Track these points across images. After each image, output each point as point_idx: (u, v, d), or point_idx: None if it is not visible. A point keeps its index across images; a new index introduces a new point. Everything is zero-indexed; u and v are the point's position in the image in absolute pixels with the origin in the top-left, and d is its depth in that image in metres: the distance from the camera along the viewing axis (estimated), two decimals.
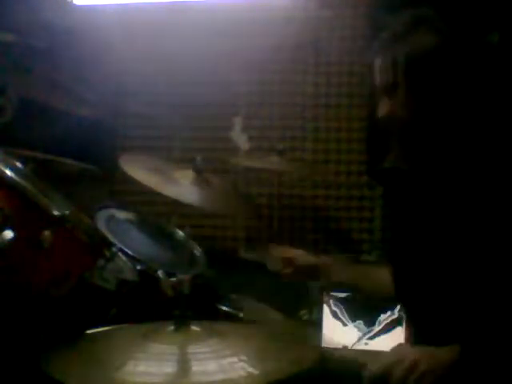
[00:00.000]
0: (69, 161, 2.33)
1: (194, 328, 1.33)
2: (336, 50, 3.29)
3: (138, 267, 1.77)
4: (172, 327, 1.33)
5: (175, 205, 2.22)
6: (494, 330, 1.35)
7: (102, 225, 1.81)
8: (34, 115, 2.81)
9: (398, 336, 2.05)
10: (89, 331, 1.43)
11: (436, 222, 1.50)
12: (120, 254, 1.68)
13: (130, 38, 3.32)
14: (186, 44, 3.23)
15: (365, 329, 2.08)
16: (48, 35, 3.00)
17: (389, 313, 2.07)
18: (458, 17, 1.44)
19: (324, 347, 2.07)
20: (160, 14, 3.30)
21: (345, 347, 2.09)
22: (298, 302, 2.23)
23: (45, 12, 3.00)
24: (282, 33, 3.22)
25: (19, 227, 1.41)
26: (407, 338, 1.97)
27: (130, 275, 1.71)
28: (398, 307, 2.02)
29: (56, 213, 1.48)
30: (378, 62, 1.44)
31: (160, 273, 1.78)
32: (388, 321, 2.07)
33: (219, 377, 1.17)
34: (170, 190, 2.08)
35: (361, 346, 2.08)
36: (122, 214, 2.05)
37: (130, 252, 1.76)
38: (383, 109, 1.44)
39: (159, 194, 2.05)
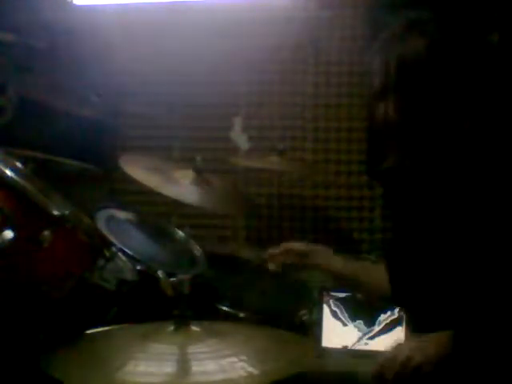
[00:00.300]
0: (69, 161, 2.33)
1: (194, 328, 1.33)
2: (336, 49, 3.29)
3: (138, 267, 1.77)
4: (172, 327, 1.33)
5: (175, 205, 2.22)
6: (493, 329, 1.36)
7: (101, 225, 1.81)
8: (34, 115, 2.81)
9: (397, 336, 2.05)
10: (89, 331, 1.43)
11: (435, 222, 1.50)
12: (120, 253, 1.67)
13: (130, 37, 3.32)
14: (185, 44, 3.23)
15: (365, 329, 2.08)
16: (48, 35, 3.01)
17: (389, 313, 2.08)
18: (457, 17, 1.44)
19: (324, 347, 2.08)
20: (160, 14, 3.30)
21: (345, 347, 2.09)
22: (297, 302, 2.23)
23: (45, 12, 3.00)
24: (281, 33, 3.22)
25: (19, 227, 1.40)
26: (407, 338, 1.98)
27: (129, 275, 1.71)
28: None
29: (56, 213, 1.48)
30: (374, 64, 1.45)
31: (160, 273, 1.78)
32: (388, 321, 2.07)
33: (219, 377, 1.17)
34: (170, 190, 2.08)
35: (361, 346, 2.08)
36: (122, 214, 2.05)
37: (129, 252, 1.76)
38: (378, 110, 1.45)
39: (159, 194, 2.05)
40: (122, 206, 2.09)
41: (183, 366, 1.24)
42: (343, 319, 2.10)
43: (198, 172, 2.18)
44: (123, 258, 1.72)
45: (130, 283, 1.67)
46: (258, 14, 3.24)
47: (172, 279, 1.74)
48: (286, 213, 3.35)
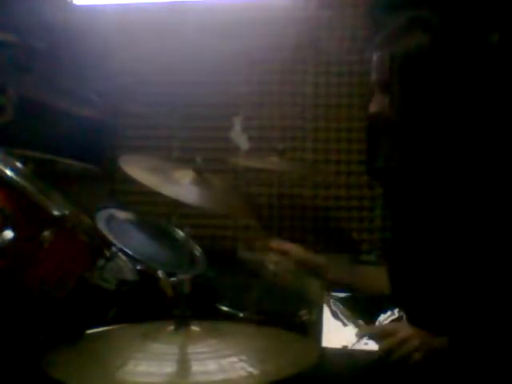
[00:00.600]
0: (69, 161, 2.33)
1: (194, 328, 1.33)
2: (336, 49, 3.28)
3: (138, 267, 1.77)
4: (172, 327, 1.33)
5: (175, 205, 2.22)
6: (492, 329, 1.36)
7: (102, 225, 1.81)
8: (34, 115, 2.81)
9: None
10: (89, 331, 1.43)
11: (435, 222, 1.50)
12: (120, 254, 1.68)
13: (130, 37, 3.32)
14: (185, 44, 3.23)
15: None
16: (48, 35, 3.01)
17: (389, 313, 2.07)
18: (457, 17, 1.44)
19: (324, 347, 2.07)
20: (160, 14, 3.30)
21: (345, 347, 2.09)
22: (298, 302, 2.23)
23: (45, 12, 3.00)
24: (281, 33, 3.22)
25: (19, 227, 1.41)
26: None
27: (129, 275, 1.71)
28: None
29: (56, 213, 1.48)
30: (374, 59, 1.45)
31: (160, 273, 1.78)
32: (388, 321, 2.07)
33: (219, 377, 1.17)
34: (170, 190, 2.08)
35: (361, 346, 2.08)
36: (121, 214, 2.05)
37: (130, 252, 1.76)
38: (374, 106, 1.45)
39: (159, 194, 2.05)
40: (122, 206, 2.09)
41: (183, 365, 1.24)
42: (343, 319, 2.10)
43: (198, 172, 2.18)
44: (123, 257, 1.73)
45: (130, 283, 1.67)
46: (258, 14, 3.24)
47: (172, 279, 1.75)
48: (286, 213, 3.35)
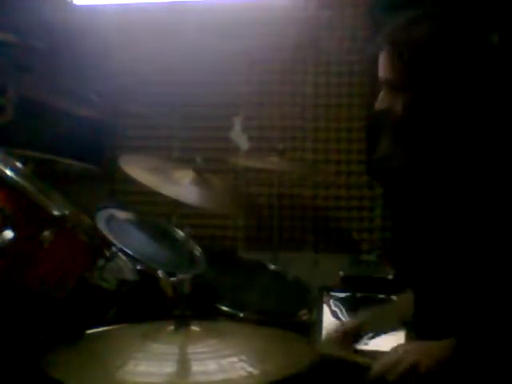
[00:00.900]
0: (69, 161, 2.33)
1: (194, 328, 1.33)
2: (336, 50, 3.28)
3: (138, 267, 1.77)
4: (172, 327, 1.33)
5: (175, 205, 2.22)
6: (493, 327, 1.36)
7: (102, 225, 1.81)
8: (34, 115, 2.81)
9: (398, 336, 2.04)
10: (89, 331, 1.43)
11: (435, 222, 1.50)
12: (120, 253, 1.68)
13: (130, 37, 3.32)
14: (185, 44, 3.23)
15: None
16: (48, 35, 3.01)
17: None
18: (457, 17, 1.44)
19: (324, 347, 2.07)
20: (160, 14, 3.30)
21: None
22: (298, 302, 2.23)
23: (45, 12, 3.00)
24: (281, 33, 3.22)
25: (19, 227, 1.41)
26: (407, 338, 1.97)
27: (129, 275, 1.71)
28: None
29: (56, 213, 1.48)
30: (382, 56, 1.43)
31: (160, 273, 1.78)
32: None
33: (219, 377, 1.17)
34: (170, 190, 2.08)
35: (361, 346, 2.08)
36: (121, 214, 2.05)
37: (130, 252, 1.76)
38: (382, 103, 1.44)
39: (159, 194, 2.05)
40: (122, 206, 2.09)
41: (183, 365, 1.24)
42: (343, 319, 2.10)
43: (198, 172, 2.18)
44: (123, 257, 1.73)
45: (130, 283, 1.67)
46: (258, 14, 3.24)
47: (172, 279, 1.75)
48: (286, 213, 3.35)
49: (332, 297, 2.11)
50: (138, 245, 1.90)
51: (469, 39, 1.40)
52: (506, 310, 1.35)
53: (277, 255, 2.82)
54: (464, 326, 1.39)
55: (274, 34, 3.20)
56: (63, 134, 2.85)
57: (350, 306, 2.11)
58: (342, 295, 2.12)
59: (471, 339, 1.35)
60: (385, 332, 1.78)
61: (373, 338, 2.08)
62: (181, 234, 2.17)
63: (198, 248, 2.13)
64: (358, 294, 2.13)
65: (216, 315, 2.02)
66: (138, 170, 2.11)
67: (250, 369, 1.18)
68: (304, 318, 2.14)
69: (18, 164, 1.60)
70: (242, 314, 2.04)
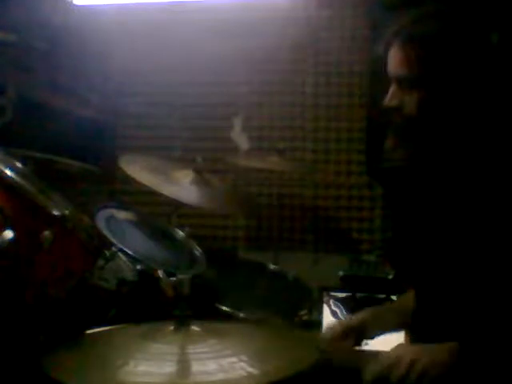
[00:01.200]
0: (69, 161, 2.32)
1: (194, 328, 1.33)
2: (336, 50, 3.29)
3: (138, 267, 1.77)
4: (172, 327, 1.33)
5: (175, 205, 2.22)
6: (493, 328, 1.35)
7: (101, 225, 1.81)
8: (34, 115, 2.81)
9: (398, 336, 2.04)
10: (89, 331, 1.43)
11: (436, 222, 1.50)
12: (120, 253, 1.67)
13: (130, 38, 3.32)
14: (185, 44, 3.23)
15: None
16: (48, 35, 3.01)
17: None
18: (458, 17, 1.44)
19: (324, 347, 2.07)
20: (160, 14, 3.30)
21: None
22: (298, 302, 2.23)
23: (45, 12, 3.00)
24: (281, 33, 3.22)
25: (19, 227, 1.41)
26: (407, 338, 1.97)
27: (129, 275, 1.71)
28: None
29: (56, 213, 1.48)
30: (392, 52, 1.43)
31: (160, 273, 1.78)
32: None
33: (219, 377, 1.17)
34: (170, 190, 2.08)
35: (361, 346, 2.08)
36: (121, 214, 2.05)
37: (129, 252, 1.75)
38: (393, 99, 1.43)
39: (159, 194, 2.05)
40: (122, 206, 2.08)
41: (183, 365, 1.24)
42: (343, 319, 2.10)
43: (198, 172, 2.18)
44: (123, 257, 1.72)
45: (129, 283, 1.67)
46: (258, 14, 3.24)
47: (172, 279, 1.74)
48: (285, 213, 3.35)
49: (332, 297, 2.12)
50: (137, 245, 1.89)
51: (473, 37, 1.40)
52: (506, 309, 1.35)
53: (277, 255, 2.83)
54: (464, 327, 1.39)
55: (274, 34, 3.21)
56: (63, 134, 2.84)
57: (350, 306, 2.11)
58: (342, 295, 2.12)
59: (471, 340, 1.35)
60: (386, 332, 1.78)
61: (372, 337, 2.08)
62: (181, 233, 2.16)
63: (198, 248, 2.13)
64: (358, 294, 2.13)
65: (216, 315, 2.02)
66: (138, 170, 2.11)
67: (250, 369, 1.18)
68: (304, 317, 2.14)
69: (18, 164, 1.59)
70: (242, 314, 2.04)
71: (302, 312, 2.15)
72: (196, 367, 1.21)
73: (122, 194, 3.29)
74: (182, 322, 1.32)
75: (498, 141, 1.43)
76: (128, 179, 2.08)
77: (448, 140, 1.42)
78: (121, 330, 1.47)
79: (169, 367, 1.22)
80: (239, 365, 1.20)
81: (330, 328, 1.72)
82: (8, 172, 1.49)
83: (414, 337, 1.62)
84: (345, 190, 3.33)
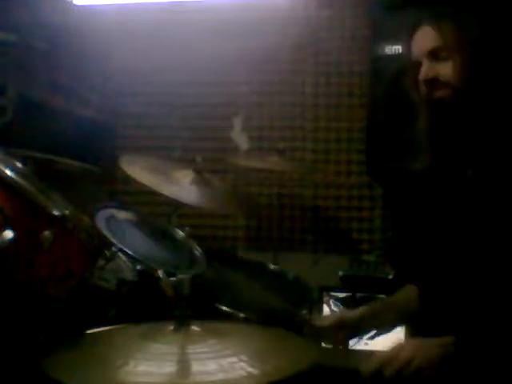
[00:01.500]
0: (69, 161, 2.32)
1: (194, 328, 1.33)
2: (336, 50, 3.29)
3: (138, 267, 1.77)
4: (172, 327, 1.33)
5: (175, 205, 2.22)
6: (492, 326, 1.36)
7: (101, 225, 1.81)
8: (34, 115, 2.81)
9: (398, 336, 2.05)
10: (89, 331, 1.43)
11: (435, 221, 1.50)
12: (120, 253, 1.67)
13: (130, 38, 3.32)
14: (185, 44, 3.23)
15: None
16: (48, 35, 3.00)
17: None
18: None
19: (324, 347, 2.07)
20: (160, 14, 3.30)
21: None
22: (298, 302, 2.23)
23: (45, 12, 3.00)
24: (281, 33, 3.22)
25: (19, 227, 1.40)
26: (408, 335, 1.97)
27: (129, 275, 1.71)
28: None
29: (56, 213, 1.48)
30: (423, 30, 1.50)
31: (160, 273, 1.78)
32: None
33: (219, 377, 1.17)
34: (170, 190, 2.08)
35: (361, 346, 2.08)
36: (121, 214, 2.05)
37: (129, 252, 1.75)
38: (428, 72, 1.47)
39: (159, 194, 2.05)
40: (122, 206, 2.08)
41: (183, 365, 1.24)
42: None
43: (198, 172, 2.18)
44: (123, 257, 1.72)
45: (130, 283, 1.67)
46: (258, 14, 3.24)
47: (172, 279, 1.74)
48: (285, 213, 3.35)
49: (332, 297, 2.12)
50: (137, 245, 1.89)
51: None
52: (506, 307, 1.35)
53: (277, 255, 2.83)
54: (464, 323, 1.39)
55: (274, 34, 3.21)
56: (63, 134, 2.84)
57: (350, 306, 2.11)
58: (342, 295, 2.12)
59: (471, 337, 1.35)
60: (385, 331, 1.79)
61: (373, 338, 2.08)
62: (181, 233, 2.16)
63: (198, 248, 2.13)
64: (358, 294, 2.13)
65: (216, 315, 2.02)
66: (138, 170, 2.11)
67: (250, 369, 1.18)
68: (304, 317, 2.14)
69: (18, 164, 1.59)
70: (242, 314, 2.04)
71: (302, 312, 2.15)
72: (196, 367, 1.21)
73: (122, 194, 3.29)
74: (181, 322, 1.32)
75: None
76: (128, 179, 2.08)
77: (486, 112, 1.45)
78: (121, 330, 1.47)
79: (169, 367, 1.21)
80: (239, 365, 1.20)
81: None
82: (8, 172, 1.49)
83: (415, 333, 1.62)
84: (345, 190, 3.33)
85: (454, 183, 1.47)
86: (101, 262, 1.55)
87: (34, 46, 2.93)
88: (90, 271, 1.52)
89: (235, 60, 3.29)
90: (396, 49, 2.77)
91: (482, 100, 1.44)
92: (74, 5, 3.21)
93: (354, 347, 2.08)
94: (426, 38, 1.50)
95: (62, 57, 3.08)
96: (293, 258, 2.97)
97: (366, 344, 2.08)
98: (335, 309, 2.11)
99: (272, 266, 2.48)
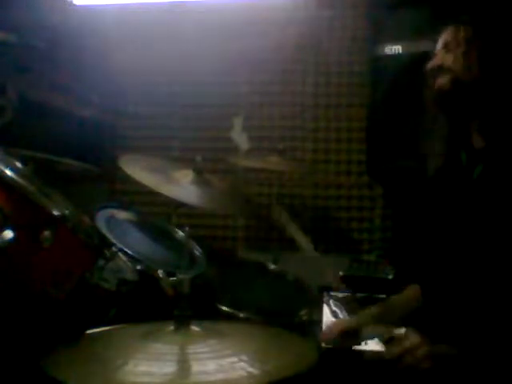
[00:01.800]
0: (69, 161, 2.32)
1: (194, 328, 1.33)
2: (336, 50, 3.29)
3: (138, 267, 1.77)
4: (172, 327, 1.33)
5: (175, 205, 2.22)
6: (494, 328, 1.36)
7: (102, 225, 1.81)
8: (34, 115, 2.81)
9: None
10: (89, 331, 1.43)
11: (435, 221, 1.50)
12: (120, 253, 1.67)
13: (130, 37, 3.32)
14: (185, 44, 3.23)
15: None
16: (48, 35, 3.00)
17: None
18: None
19: (324, 347, 2.07)
20: (160, 15, 3.30)
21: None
22: (298, 302, 2.23)
23: (45, 12, 3.00)
24: (282, 33, 3.22)
25: (19, 227, 1.40)
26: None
27: (129, 275, 1.71)
28: None
29: (56, 213, 1.48)
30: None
31: (160, 273, 1.78)
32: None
33: (219, 377, 1.17)
34: (170, 190, 2.08)
35: (361, 346, 2.08)
36: (121, 214, 2.05)
37: (130, 252, 1.75)
38: (435, 61, 1.50)
39: (159, 194, 2.05)
40: (122, 206, 2.09)
41: (183, 365, 1.24)
42: (342, 319, 2.09)
43: (198, 172, 2.18)
44: (123, 257, 1.72)
45: (130, 283, 1.67)
46: (258, 14, 3.24)
47: (172, 279, 1.74)
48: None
49: (332, 297, 2.11)
50: (138, 245, 1.90)
51: None
52: (507, 308, 1.35)
53: (277, 255, 2.82)
54: (467, 325, 1.39)
55: (274, 34, 3.20)
56: (63, 133, 2.85)
57: (350, 306, 2.10)
58: (342, 295, 2.11)
59: (474, 340, 1.35)
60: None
61: (373, 338, 2.07)
62: (181, 234, 2.16)
63: (198, 248, 2.13)
64: (358, 294, 2.12)
65: (216, 315, 2.02)
66: (138, 170, 2.11)
67: (250, 369, 1.18)
68: (304, 317, 2.14)
69: (18, 164, 1.59)
70: (241, 314, 2.04)
71: (302, 312, 2.15)
72: (196, 367, 1.21)
73: (122, 194, 3.29)
74: (181, 322, 1.32)
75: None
76: (128, 179, 2.08)
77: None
78: (121, 330, 1.47)
79: (169, 367, 1.22)
80: (239, 365, 1.20)
81: (329, 327, 1.73)
82: (8, 172, 1.49)
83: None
84: (345, 190, 3.33)
85: (456, 182, 1.47)
86: (101, 262, 1.55)
87: (34, 45, 2.93)
88: (89, 271, 1.52)
89: (235, 60, 3.29)
90: (396, 49, 2.77)
91: (485, 94, 1.44)
92: (74, 5, 3.21)
93: (354, 347, 2.08)
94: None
95: (62, 57, 3.08)
96: (293, 258, 2.97)
97: (366, 344, 2.07)
98: (335, 309, 2.11)
99: (272, 266, 2.48)
